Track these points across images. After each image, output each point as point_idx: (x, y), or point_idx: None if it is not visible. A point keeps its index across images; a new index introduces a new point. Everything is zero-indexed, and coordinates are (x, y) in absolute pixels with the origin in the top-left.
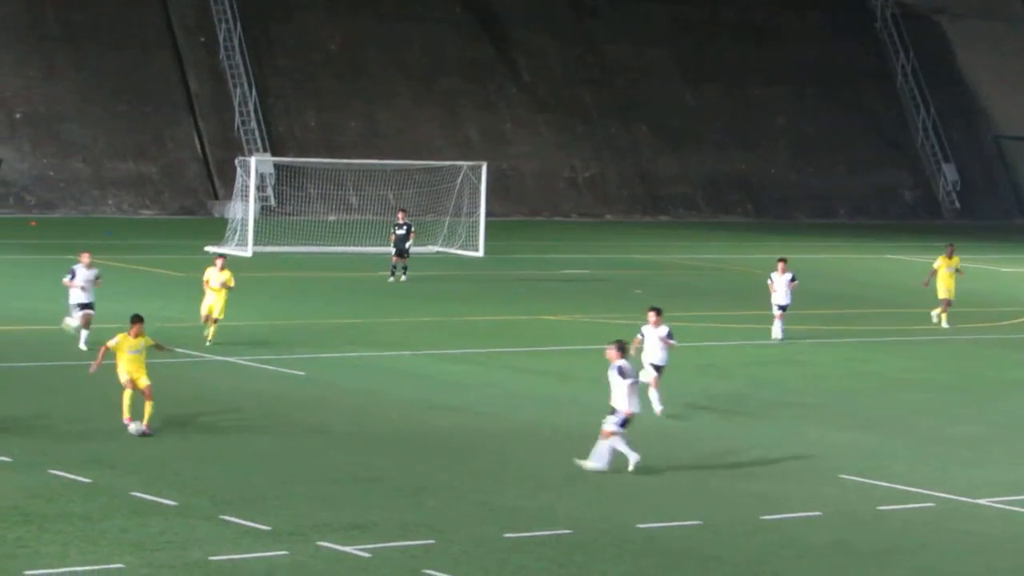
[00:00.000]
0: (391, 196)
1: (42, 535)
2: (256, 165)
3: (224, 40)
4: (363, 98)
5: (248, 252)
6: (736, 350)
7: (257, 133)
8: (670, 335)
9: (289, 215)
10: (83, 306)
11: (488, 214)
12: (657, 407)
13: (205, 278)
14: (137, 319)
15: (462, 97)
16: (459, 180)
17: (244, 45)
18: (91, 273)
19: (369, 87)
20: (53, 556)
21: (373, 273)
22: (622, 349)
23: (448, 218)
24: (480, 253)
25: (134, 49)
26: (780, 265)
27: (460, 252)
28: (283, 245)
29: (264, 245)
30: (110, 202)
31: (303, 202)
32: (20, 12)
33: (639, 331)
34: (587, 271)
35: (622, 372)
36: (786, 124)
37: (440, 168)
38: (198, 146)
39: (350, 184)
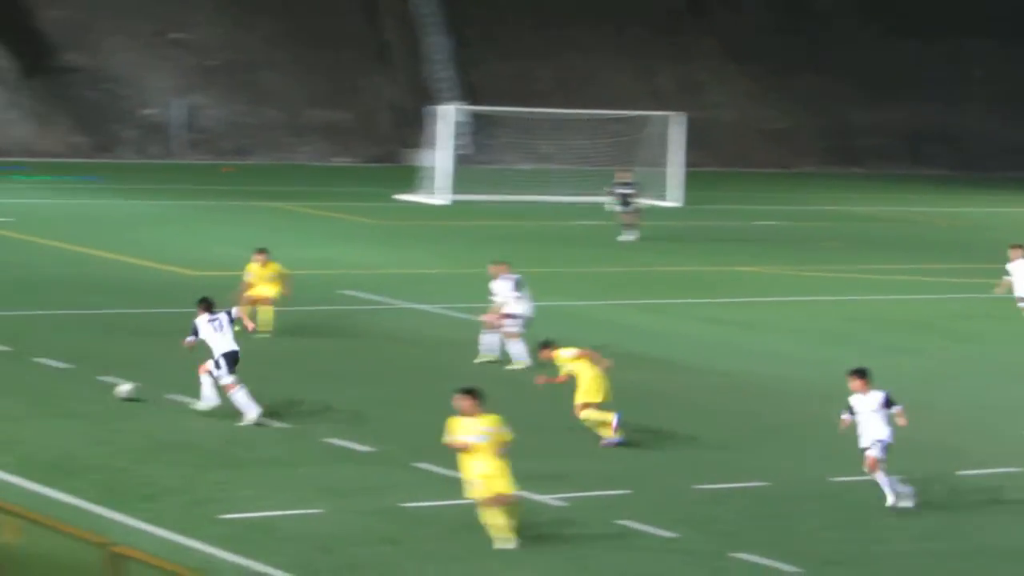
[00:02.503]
0: (585, 145)
1: (239, 480)
2: (449, 113)
3: None
4: (557, 46)
5: (445, 200)
6: (936, 304)
7: (451, 81)
8: (889, 401)
9: (483, 164)
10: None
11: (685, 164)
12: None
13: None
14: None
15: (655, 46)
16: (652, 130)
17: None
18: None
19: (563, 36)
20: (249, 500)
21: (567, 222)
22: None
23: (643, 168)
24: (678, 203)
25: None
26: (1014, 252)
27: (656, 202)
28: (478, 194)
29: (459, 194)
30: (303, 149)
31: (497, 151)
32: None
33: (846, 407)
34: (780, 222)
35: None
36: (986, 75)
37: (635, 118)
38: (391, 94)
39: (544, 133)
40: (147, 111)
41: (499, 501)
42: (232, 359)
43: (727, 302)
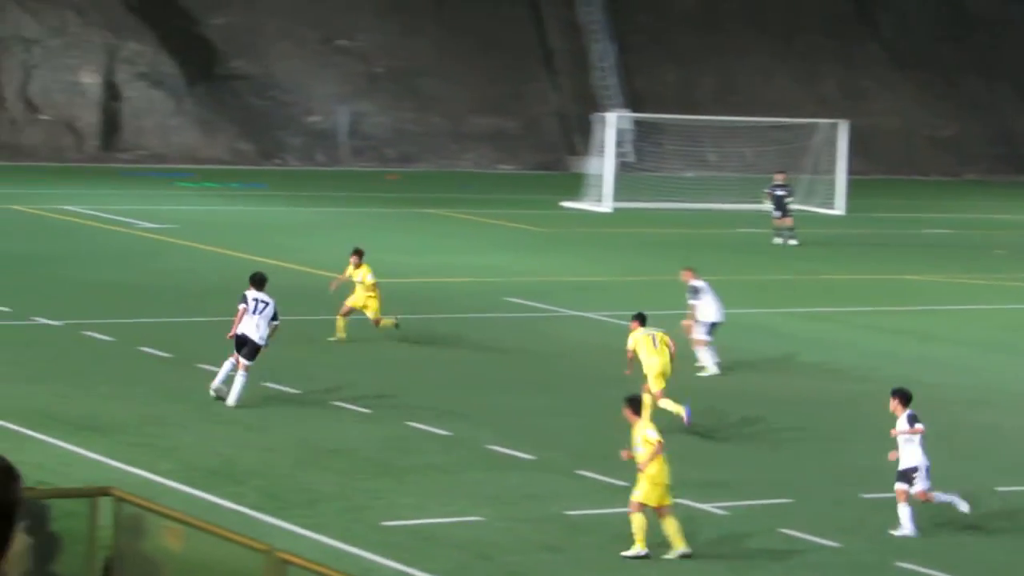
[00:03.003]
0: (748, 153)
1: (399, 487)
2: (614, 120)
3: None
4: (720, 53)
5: (607, 208)
6: None
7: (615, 89)
8: (914, 418)
9: (647, 171)
10: None
11: (850, 171)
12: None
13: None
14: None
15: (820, 53)
16: (817, 137)
17: (603, 0)
18: None
19: (726, 42)
20: (410, 508)
21: (730, 229)
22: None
23: (807, 176)
24: (841, 211)
25: (492, 3)
26: None
27: (819, 210)
28: (641, 201)
29: (623, 201)
30: (468, 156)
31: (661, 158)
32: None
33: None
34: (946, 230)
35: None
36: None
37: (799, 125)
38: (556, 101)
39: (707, 140)
40: (312, 118)
41: (641, 508)
42: (243, 343)
43: (892, 310)
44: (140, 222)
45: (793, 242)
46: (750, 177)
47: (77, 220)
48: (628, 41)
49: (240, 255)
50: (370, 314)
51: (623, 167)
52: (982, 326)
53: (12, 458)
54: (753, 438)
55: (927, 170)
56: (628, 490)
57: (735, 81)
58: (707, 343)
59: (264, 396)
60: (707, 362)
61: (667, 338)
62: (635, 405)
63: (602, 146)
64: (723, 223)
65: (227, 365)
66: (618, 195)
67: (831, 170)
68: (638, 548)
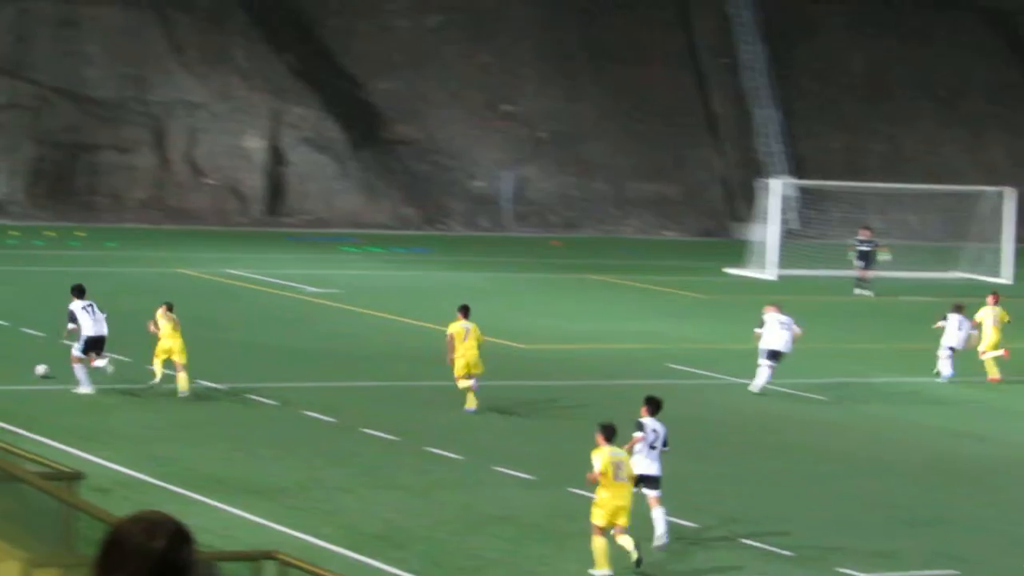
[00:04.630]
0: (914, 220)
1: (564, 553)
2: (779, 187)
3: (747, 61)
4: (886, 120)
5: (771, 275)
6: None
7: (780, 155)
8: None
9: (812, 238)
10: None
11: (1017, 240)
12: None
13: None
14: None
15: (987, 120)
16: (983, 205)
17: (767, 66)
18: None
19: (893, 109)
20: (576, 574)
21: (897, 298)
22: None
23: (973, 244)
24: (1008, 280)
25: (656, 69)
26: None
27: (986, 278)
28: (805, 268)
29: (787, 268)
30: (631, 222)
31: (825, 225)
32: (543, 33)
33: None
34: None
35: None
36: None
37: (963, 192)
38: (719, 168)
39: (873, 207)
40: (476, 183)
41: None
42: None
43: None
44: (304, 286)
45: (868, 293)
46: (915, 245)
47: (242, 284)
48: (793, 107)
49: (404, 320)
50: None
51: (787, 234)
52: None
53: None
54: (918, 506)
55: None
56: (792, 560)
57: (900, 148)
58: (769, 367)
59: (426, 461)
60: (759, 381)
61: (477, 331)
62: (606, 431)
63: (766, 213)
64: (888, 291)
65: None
66: (782, 262)
67: (997, 238)
68: (603, 570)
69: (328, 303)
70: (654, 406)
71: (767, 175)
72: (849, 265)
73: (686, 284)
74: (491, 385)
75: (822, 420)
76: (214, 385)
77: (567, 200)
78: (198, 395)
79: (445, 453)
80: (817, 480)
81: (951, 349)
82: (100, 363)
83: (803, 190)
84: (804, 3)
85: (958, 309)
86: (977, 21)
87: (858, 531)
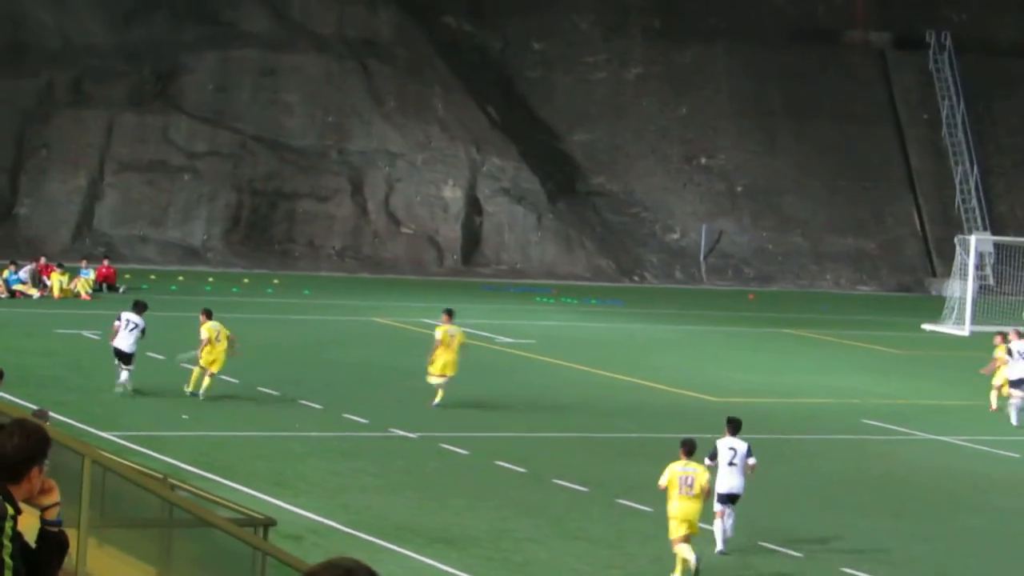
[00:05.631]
0: None
1: None
2: (976, 243)
3: (947, 117)
4: None
5: (966, 331)
6: None
7: (977, 211)
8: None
9: (1007, 295)
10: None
11: None
12: None
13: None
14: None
15: None
16: None
17: (967, 122)
18: None
19: None
20: None
21: None
22: None
23: None
24: None
25: (855, 124)
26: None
27: None
28: (1000, 324)
29: (982, 324)
30: (827, 277)
31: (1021, 281)
32: (745, 87)
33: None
34: None
35: None
36: None
37: None
38: (917, 223)
39: None
40: (672, 236)
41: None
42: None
43: None
44: (499, 336)
45: None
46: None
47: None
48: (990, 164)
49: (595, 371)
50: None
51: (982, 290)
52: None
53: None
54: None
55: None
56: None
57: None
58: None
59: (620, 513)
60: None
61: (462, 335)
62: (686, 446)
63: (963, 269)
64: None
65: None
66: (977, 318)
67: None
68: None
69: (522, 353)
70: (734, 426)
71: (964, 231)
72: None
73: (881, 339)
74: (680, 437)
75: (1020, 479)
76: (407, 434)
77: (763, 254)
78: (391, 443)
79: (635, 505)
80: (1013, 540)
81: None
82: (123, 377)
83: (999, 246)
84: (1003, 59)
85: None
86: None
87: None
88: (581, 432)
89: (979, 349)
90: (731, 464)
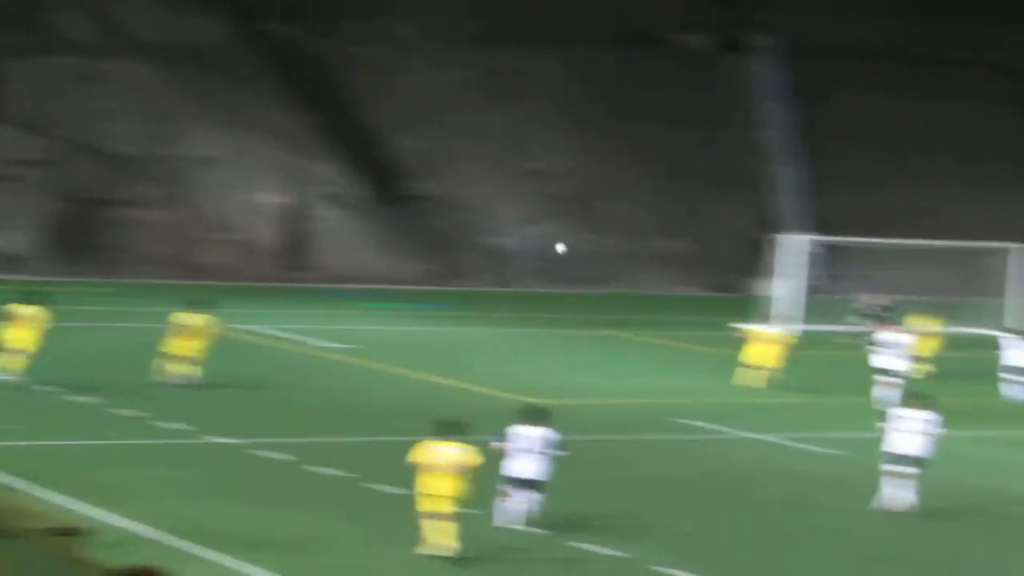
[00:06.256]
0: (934, 276)
1: None
2: (797, 244)
3: (769, 119)
4: (907, 178)
5: (786, 331)
6: None
7: (799, 212)
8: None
9: (829, 294)
10: None
11: None
12: None
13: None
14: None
15: (1009, 175)
16: (1006, 260)
17: (789, 124)
18: None
19: (914, 166)
20: None
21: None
22: None
23: (993, 299)
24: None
25: (679, 127)
26: None
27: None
28: (822, 324)
29: (802, 324)
30: (647, 278)
31: (843, 280)
32: (569, 91)
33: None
34: None
35: None
36: None
37: (985, 249)
38: (740, 224)
39: (892, 264)
40: (496, 239)
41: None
42: None
43: None
44: (322, 342)
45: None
46: (935, 300)
47: (257, 339)
48: (813, 164)
49: (420, 375)
50: None
51: (802, 290)
52: None
53: None
54: (924, 556)
55: None
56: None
57: (922, 204)
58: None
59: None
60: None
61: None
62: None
63: (782, 269)
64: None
65: None
66: (798, 318)
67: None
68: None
69: (345, 358)
70: (532, 415)
71: (784, 231)
72: (866, 320)
73: (700, 339)
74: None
75: (837, 476)
76: (224, 440)
77: (586, 256)
78: (207, 451)
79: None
80: (825, 535)
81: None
82: None
83: (820, 246)
84: (824, 62)
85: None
86: (1000, 79)
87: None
88: (402, 436)
89: (801, 348)
90: (526, 451)
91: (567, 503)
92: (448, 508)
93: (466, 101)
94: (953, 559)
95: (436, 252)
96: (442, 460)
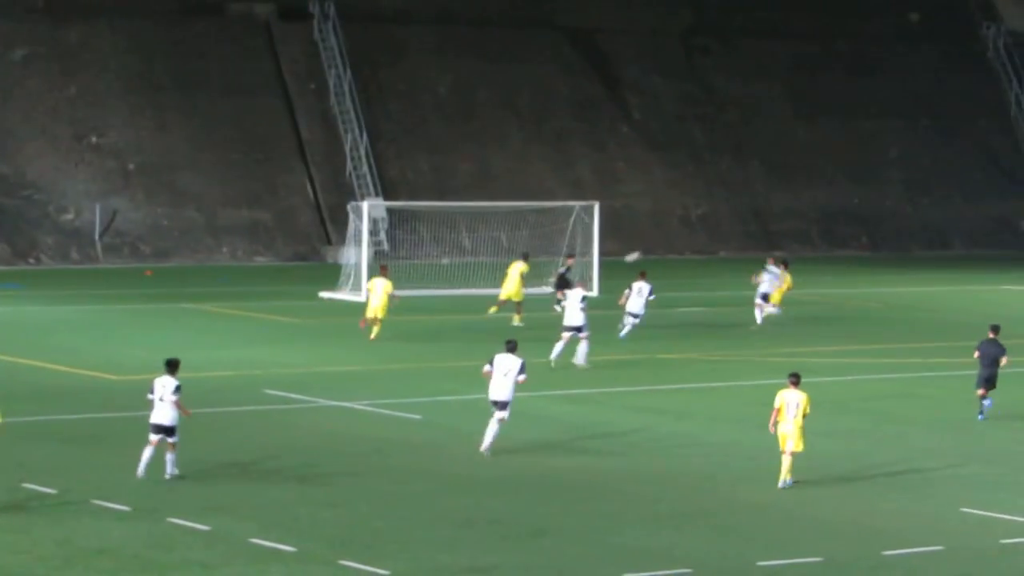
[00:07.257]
0: (504, 238)
1: None
2: (368, 209)
3: (334, 86)
4: (474, 140)
5: (363, 297)
6: (853, 385)
7: (369, 178)
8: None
9: (403, 259)
10: None
11: (602, 253)
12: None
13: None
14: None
15: (573, 137)
16: (571, 220)
17: (354, 90)
18: None
19: (480, 129)
20: None
21: (485, 315)
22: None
23: (562, 258)
24: (594, 293)
25: (245, 97)
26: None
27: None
28: (397, 289)
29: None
30: (224, 250)
31: (416, 245)
32: (131, 63)
33: None
34: (702, 308)
35: None
36: (899, 156)
37: (552, 209)
38: (311, 192)
39: (463, 226)
40: (66, 216)
41: None
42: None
43: (648, 390)
44: None
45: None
46: (506, 261)
47: None
48: (380, 130)
49: None
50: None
51: (378, 255)
52: (736, 402)
53: None
54: (515, 521)
55: (681, 248)
56: None
57: (489, 167)
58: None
59: (25, 496)
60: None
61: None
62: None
63: (357, 235)
64: (477, 308)
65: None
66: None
67: (588, 251)
68: None
69: None
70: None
71: (357, 198)
72: (441, 284)
73: (281, 309)
74: (86, 418)
75: (416, 440)
76: None
77: (158, 230)
78: None
79: (40, 488)
80: (414, 499)
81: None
82: None
83: (392, 211)
84: (389, 27)
85: (642, 276)
86: (559, 39)
87: (456, 548)
88: None
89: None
90: (161, 400)
91: (160, 480)
92: None
93: (29, 77)
94: None
95: (4, 231)
96: None
